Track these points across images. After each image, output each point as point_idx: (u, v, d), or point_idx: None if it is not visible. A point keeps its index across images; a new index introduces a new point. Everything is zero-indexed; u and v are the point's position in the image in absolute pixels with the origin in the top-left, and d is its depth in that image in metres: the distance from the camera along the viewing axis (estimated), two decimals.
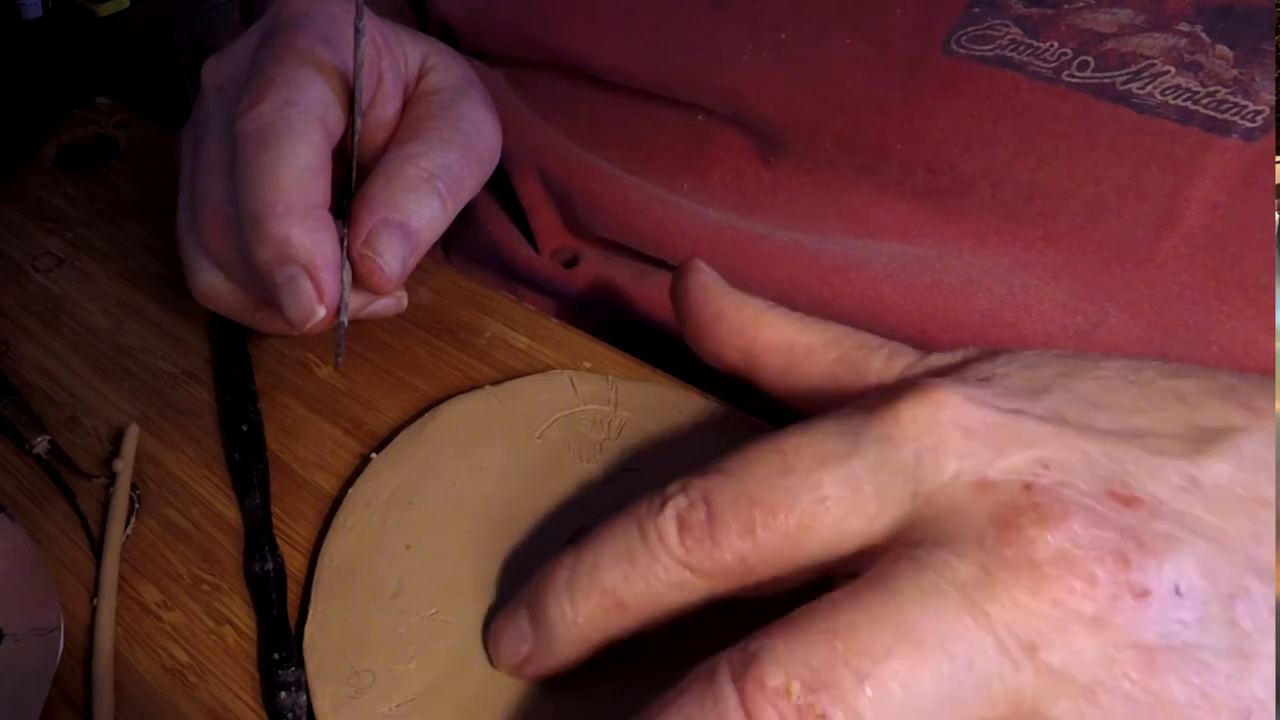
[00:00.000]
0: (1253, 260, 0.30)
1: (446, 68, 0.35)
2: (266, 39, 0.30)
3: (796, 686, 0.18)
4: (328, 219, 0.28)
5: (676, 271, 0.30)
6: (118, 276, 0.41)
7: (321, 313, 0.28)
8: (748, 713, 0.19)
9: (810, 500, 0.21)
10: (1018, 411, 0.21)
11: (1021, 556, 0.19)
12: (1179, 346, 0.32)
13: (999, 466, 0.20)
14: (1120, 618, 0.18)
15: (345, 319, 0.30)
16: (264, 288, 0.28)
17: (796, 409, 0.28)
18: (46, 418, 0.35)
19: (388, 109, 0.33)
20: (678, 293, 0.30)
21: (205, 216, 0.30)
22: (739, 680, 0.19)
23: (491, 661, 0.26)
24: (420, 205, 0.30)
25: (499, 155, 0.35)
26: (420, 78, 0.35)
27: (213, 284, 0.31)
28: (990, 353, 0.24)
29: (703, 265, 0.30)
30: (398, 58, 0.34)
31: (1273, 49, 0.29)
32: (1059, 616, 0.18)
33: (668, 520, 0.22)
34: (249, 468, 0.32)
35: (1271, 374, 0.25)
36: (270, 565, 0.29)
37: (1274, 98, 0.29)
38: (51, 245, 0.43)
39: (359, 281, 0.29)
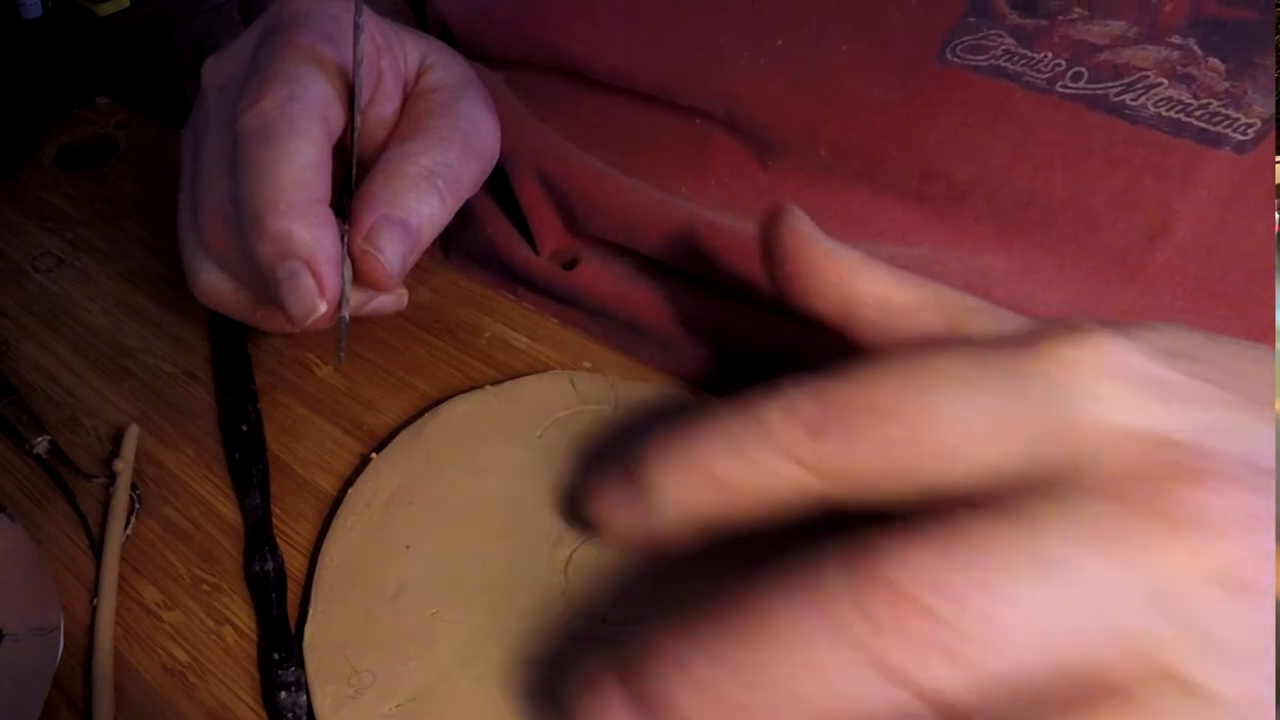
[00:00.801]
0: (1243, 272, 0.31)
1: (445, 66, 0.35)
2: (267, 37, 0.30)
3: (917, 586, 0.17)
4: (329, 214, 0.28)
5: (769, 216, 0.29)
6: (118, 276, 0.41)
7: (323, 308, 0.27)
8: (858, 604, 0.18)
9: (951, 423, 0.20)
10: (1169, 369, 0.21)
11: (1172, 512, 0.18)
12: None
13: (1154, 419, 0.20)
14: (1264, 584, 0.18)
15: (347, 314, 0.30)
16: (264, 285, 0.28)
17: None
18: (46, 418, 0.35)
19: (387, 107, 0.33)
20: (769, 238, 0.29)
21: (206, 215, 0.30)
22: (851, 570, 0.18)
23: (593, 522, 0.24)
24: (420, 203, 0.30)
25: (498, 153, 0.35)
26: (419, 76, 0.35)
27: (213, 283, 0.31)
28: (1109, 323, 0.24)
29: (797, 211, 0.29)
30: (397, 56, 0.34)
31: (1265, 63, 0.29)
32: (1202, 578, 0.18)
33: (791, 416, 0.21)
34: (249, 468, 0.32)
35: None
36: (270, 565, 0.29)
37: (1265, 111, 0.29)
38: (51, 245, 0.43)
39: (360, 278, 0.29)
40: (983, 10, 0.33)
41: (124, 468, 0.32)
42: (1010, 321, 0.25)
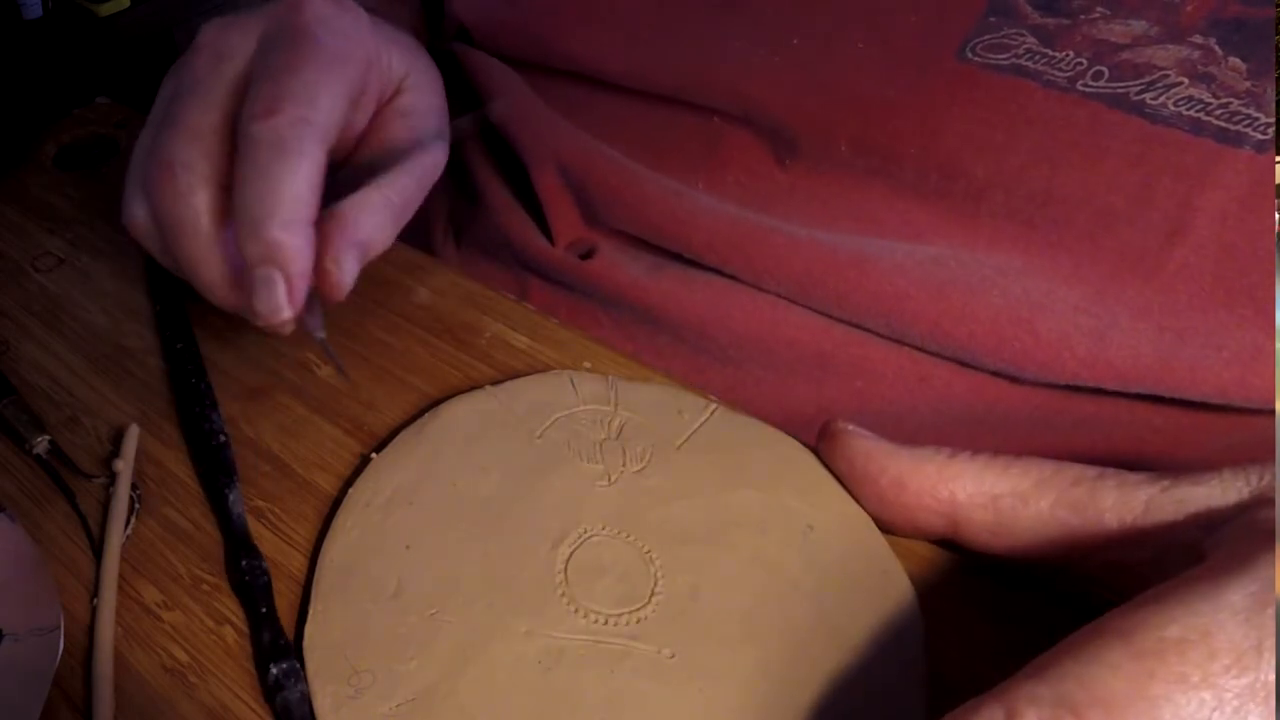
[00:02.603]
0: (1262, 270, 0.31)
1: (421, 89, 0.36)
2: (283, 36, 0.31)
3: None
4: (312, 233, 0.29)
5: (825, 440, 0.30)
6: (118, 276, 0.41)
7: (287, 314, 0.29)
8: None
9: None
10: None
11: None
12: (1190, 351, 0.32)
13: None
14: None
15: (323, 334, 0.32)
16: (175, 241, 0.30)
17: (1015, 562, 0.27)
18: (46, 418, 0.35)
19: (361, 120, 0.34)
20: (837, 463, 0.29)
21: (157, 166, 0.31)
22: None
23: None
24: (381, 230, 0.32)
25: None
26: (397, 93, 0.36)
27: (140, 219, 0.32)
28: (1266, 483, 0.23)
29: (850, 426, 0.29)
30: (383, 71, 0.34)
31: None
32: None
33: None
34: (215, 478, 0.32)
35: None
36: (257, 566, 0.29)
37: None
38: (51, 245, 0.43)
39: (318, 285, 0.31)
40: (1004, 10, 0.33)
41: (124, 468, 0.32)
42: (1137, 488, 0.24)
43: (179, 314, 0.38)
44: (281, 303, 0.29)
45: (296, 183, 0.28)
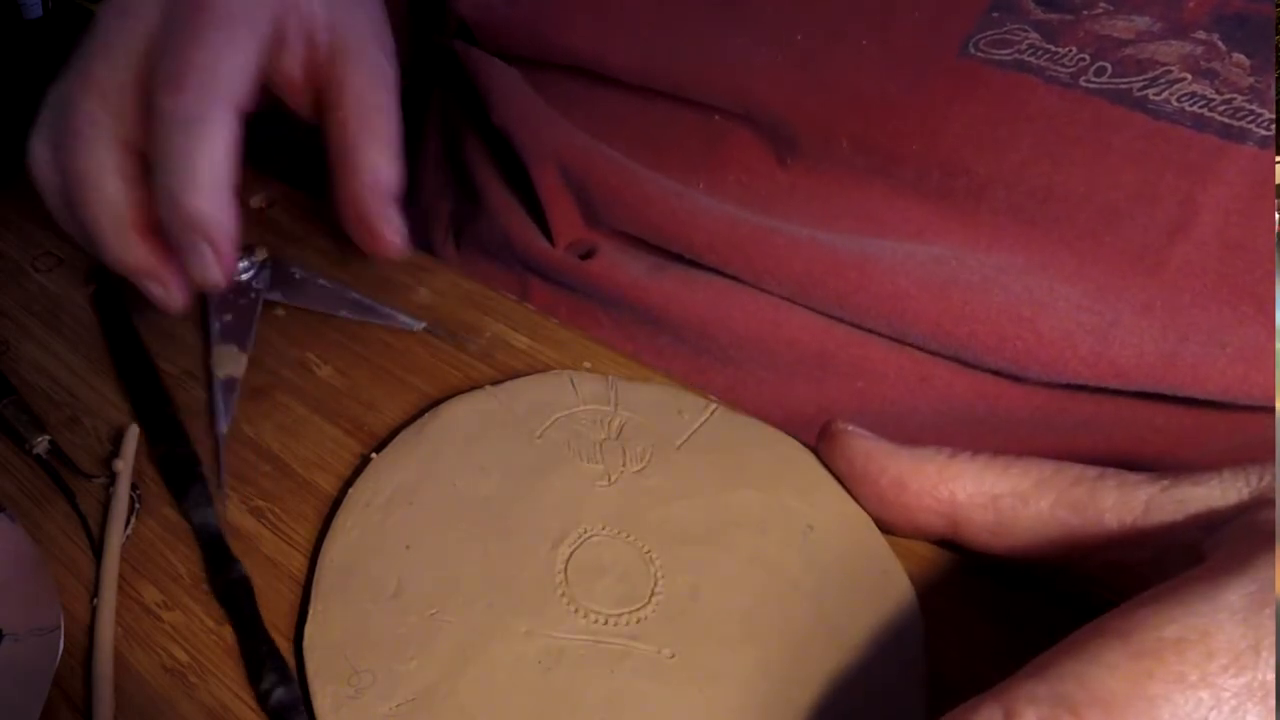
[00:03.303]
0: (1265, 267, 0.31)
1: (351, 26, 0.35)
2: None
3: None
4: (231, 198, 0.30)
5: (825, 440, 0.29)
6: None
7: (218, 276, 0.30)
8: None
9: None
10: None
11: None
12: (1193, 349, 0.32)
13: None
14: None
15: (226, 429, 0.34)
16: (78, 196, 0.31)
17: (1015, 562, 0.27)
18: (46, 418, 0.35)
19: (292, 62, 0.34)
20: (837, 463, 0.29)
21: (68, 123, 0.31)
22: None
23: None
24: (394, 165, 0.33)
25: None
26: (331, 32, 0.34)
27: (44, 166, 0.33)
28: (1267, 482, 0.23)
29: (850, 426, 0.29)
30: (303, 15, 0.34)
31: None
32: None
33: None
34: (185, 490, 0.32)
35: None
36: (236, 574, 0.29)
37: None
38: (51, 245, 0.43)
39: (374, 251, 0.34)
40: (1008, 6, 0.33)
41: (124, 468, 0.32)
42: (1138, 487, 0.24)
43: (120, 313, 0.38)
44: (212, 269, 0.30)
45: (212, 152, 0.29)
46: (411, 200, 0.53)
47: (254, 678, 0.27)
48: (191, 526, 0.31)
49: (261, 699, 0.26)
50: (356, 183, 0.33)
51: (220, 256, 0.30)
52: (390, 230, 0.33)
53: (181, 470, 0.32)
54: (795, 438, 0.32)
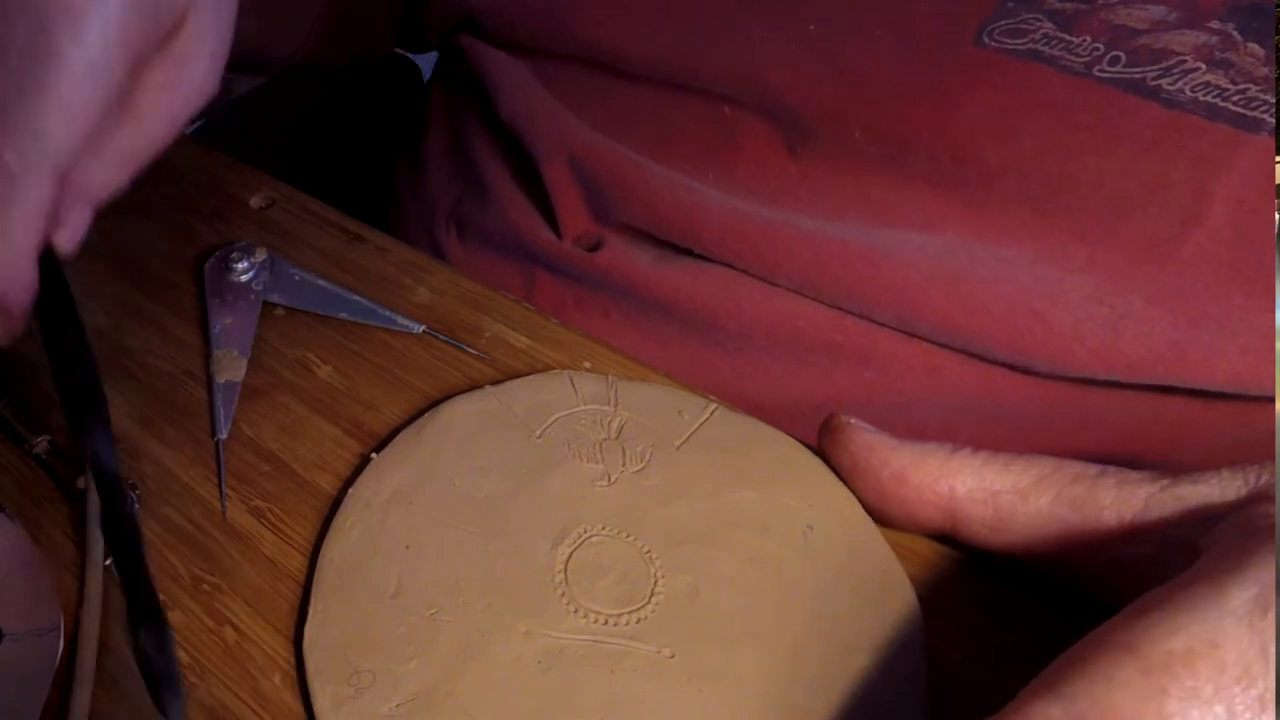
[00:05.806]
0: (1277, 256, 0.31)
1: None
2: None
3: None
4: (34, 266, 0.28)
5: (826, 433, 0.29)
6: (118, 276, 0.41)
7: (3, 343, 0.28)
8: None
9: None
10: None
11: None
12: (1204, 339, 0.32)
13: None
14: None
15: (224, 434, 0.33)
16: None
17: (1014, 558, 0.27)
18: (46, 418, 0.35)
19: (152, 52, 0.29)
20: (837, 456, 0.29)
21: None
22: None
23: None
24: (116, 181, 0.32)
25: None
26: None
27: None
28: (1264, 480, 0.22)
29: (852, 420, 0.29)
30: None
31: None
32: None
33: None
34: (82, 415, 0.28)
35: None
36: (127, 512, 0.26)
37: None
38: None
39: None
40: None
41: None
42: (1138, 485, 0.24)
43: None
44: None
45: (25, 215, 0.27)
46: (415, 193, 0.53)
47: (132, 630, 0.24)
48: (85, 460, 0.29)
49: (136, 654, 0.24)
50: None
51: (8, 321, 0.28)
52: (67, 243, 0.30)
53: (80, 401, 0.29)
54: (801, 429, 0.32)
